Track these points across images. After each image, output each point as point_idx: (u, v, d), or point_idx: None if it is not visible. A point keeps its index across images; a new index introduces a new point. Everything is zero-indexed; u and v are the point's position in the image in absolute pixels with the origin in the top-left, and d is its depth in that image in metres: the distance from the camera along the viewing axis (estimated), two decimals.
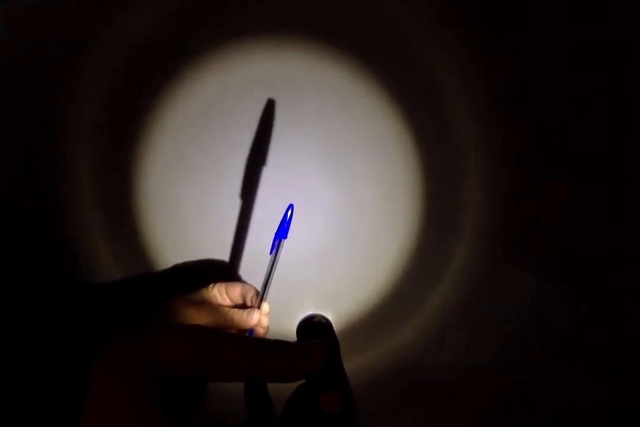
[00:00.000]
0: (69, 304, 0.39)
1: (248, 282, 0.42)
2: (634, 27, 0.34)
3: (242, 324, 0.34)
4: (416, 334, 0.45)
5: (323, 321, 0.28)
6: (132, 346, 0.21)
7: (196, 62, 0.42)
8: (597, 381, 0.38)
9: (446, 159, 0.44)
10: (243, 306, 0.36)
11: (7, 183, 0.39)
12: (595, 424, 0.37)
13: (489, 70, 0.41)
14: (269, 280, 0.34)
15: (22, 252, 0.40)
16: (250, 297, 0.36)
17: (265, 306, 0.35)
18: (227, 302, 0.36)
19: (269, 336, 0.37)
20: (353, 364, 0.44)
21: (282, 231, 0.31)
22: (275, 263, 0.34)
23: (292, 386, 0.24)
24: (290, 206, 0.31)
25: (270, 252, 0.33)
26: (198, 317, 0.34)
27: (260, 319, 0.34)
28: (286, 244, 0.33)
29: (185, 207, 0.44)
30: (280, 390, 0.23)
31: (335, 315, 0.45)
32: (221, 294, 0.36)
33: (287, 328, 0.40)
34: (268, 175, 0.43)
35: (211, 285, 0.36)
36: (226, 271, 0.44)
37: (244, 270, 0.44)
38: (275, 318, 0.36)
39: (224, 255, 0.44)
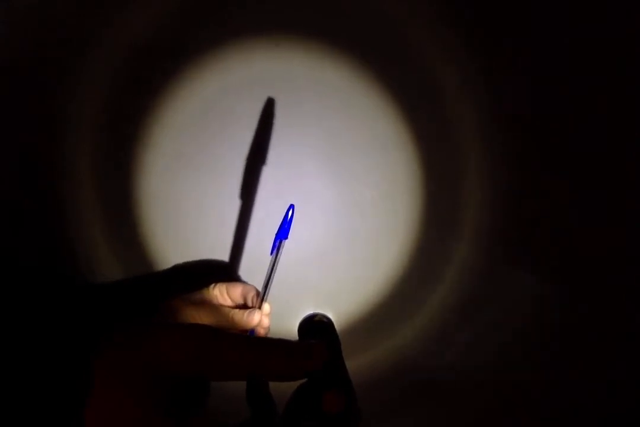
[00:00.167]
0: (69, 304, 0.39)
1: (248, 282, 0.42)
2: (634, 27, 0.34)
3: (243, 325, 0.34)
4: (416, 334, 0.45)
5: (324, 320, 0.28)
6: (132, 346, 0.21)
7: (196, 62, 0.42)
8: (597, 381, 0.38)
9: (446, 159, 0.44)
10: (244, 306, 0.36)
11: (7, 183, 0.39)
12: (595, 424, 0.37)
13: (489, 70, 0.41)
14: (270, 280, 0.34)
15: (22, 252, 0.40)
16: (251, 298, 0.36)
17: (266, 307, 0.35)
18: (228, 302, 0.36)
19: (270, 336, 0.37)
20: (353, 363, 0.44)
21: (283, 232, 0.31)
22: (276, 264, 0.33)
23: (294, 385, 0.24)
24: (291, 206, 0.31)
25: (271, 253, 0.33)
26: (198, 318, 0.34)
27: (261, 320, 0.34)
28: (286, 244, 0.33)
29: (185, 207, 0.44)
30: (283, 389, 0.23)
31: (336, 315, 0.45)
32: (222, 294, 0.36)
33: (288, 328, 0.40)
34: (268, 175, 0.43)
35: (212, 285, 0.36)
36: (226, 271, 0.44)
37: (244, 270, 0.44)
38: (275, 318, 0.36)
39: (224, 255, 0.44)
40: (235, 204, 0.43)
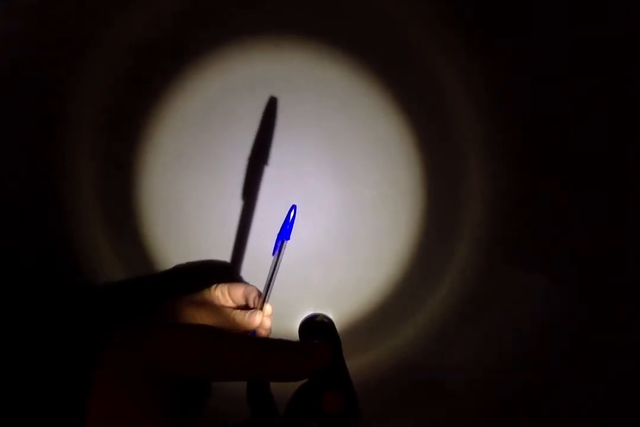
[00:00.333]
0: (69, 304, 0.39)
1: (249, 282, 0.42)
2: (634, 27, 0.34)
3: (244, 326, 0.34)
4: (417, 334, 0.45)
5: (325, 320, 0.28)
6: (132, 346, 0.21)
7: (196, 62, 0.42)
8: (597, 381, 0.38)
9: (446, 159, 0.44)
10: (245, 307, 0.36)
11: (7, 183, 0.39)
12: (595, 424, 0.37)
13: (489, 70, 0.41)
14: (272, 281, 0.34)
15: (22, 252, 0.40)
16: (252, 299, 0.36)
17: (267, 308, 0.35)
18: (230, 303, 0.36)
19: (271, 337, 0.37)
20: (354, 364, 0.44)
21: (285, 232, 0.31)
22: (277, 264, 0.33)
23: (295, 385, 0.24)
24: (293, 207, 0.30)
25: (273, 254, 0.33)
26: (200, 318, 0.34)
27: (262, 321, 0.34)
28: (287, 244, 0.32)
29: (186, 207, 0.44)
30: (283, 390, 0.23)
31: (337, 315, 0.45)
32: (224, 295, 0.36)
33: (289, 328, 0.40)
34: (269, 175, 0.43)
35: (214, 286, 0.36)
36: (228, 271, 0.44)
37: (245, 270, 0.44)
38: (276, 318, 0.36)
39: (225, 255, 0.44)
40: (236, 204, 0.43)
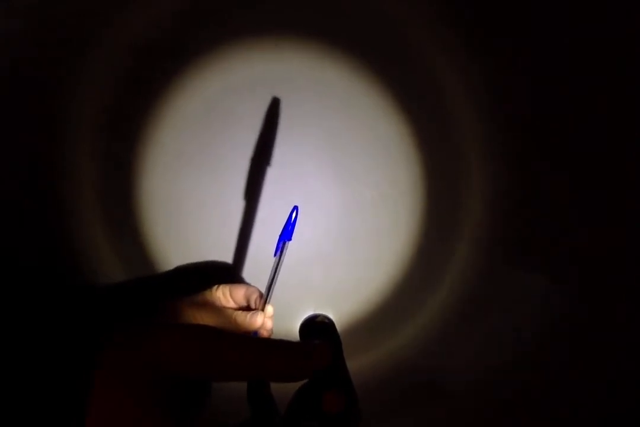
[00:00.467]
0: (69, 305, 0.39)
1: (250, 283, 0.42)
2: (634, 27, 0.34)
3: (246, 327, 0.34)
4: (417, 334, 0.45)
5: (326, 320, 0.28)
6: (132, 346, 0.21)
7: (196, 62, 0.42)
8: (597, 381, 0.38)
9: (446, 159, 0.44)
10: (247, 308, 0.36)
11: (7, 183, 0.39)
12: (595, 424, 0.37)
13: (489, 70, 0.41)
14: (273, 282, 0.34)
15: (22, 252, 0.40)
16: (254, 300, 0.35)
17: (269, 309, 0.35)
18: (231, 304, 0.36)
19: (272, 337, 0.37)
20: (355, 364, 0.44)
21: (287, 233, 0.31)
22: (279, 265, 0.33)
23: (296, 386, 0.24)
24: (295, 208, 0.30)
25: (275, 254, 0.33)
26: (201, 319, 0.34)
27: (264, 322, 0.34)
28: (288, 244, 0.32)
29: (186, 207, 0.44)
30: (284, 390, 0.23)
31: (337, 315, 0.45)
32: (225, 295, 0.36)
33: (289, 329, 0.40)
34: (269, 175, 0.43)
35: (215, 287, 0.36)
36: (228, 271, 0.44)
37: (246, 271, 0.44)
38: (277, 318, 0.36)
39: (226, 255, 0.44)
40: (237, 204, 0.43)
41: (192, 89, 0.43)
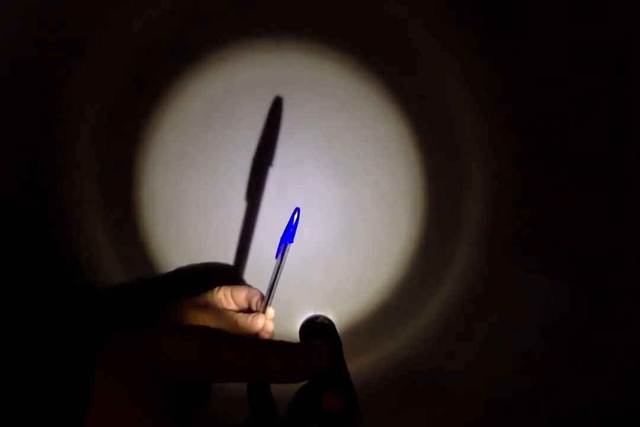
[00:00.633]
0: (69, 304, 0.39)
1: (251, 284, 0.42)
2: (634, 27, 0.34)
3: (247, 329, 0.34)
4: (417, 335, 0.45)
5: (326, 321, 0.28)
6: (132, 346, 0.21)
7: (196, 62, 0.42)
8: (597, 381, 0.38)
9: (446, 159, 0.44)
10: (248, 310, 0.36)
11: (7, 183, 0.39)
12: (595, 424, 0.37)
13: (489, 70, 0.41)
14: (275, 285, 0.33)
15: (22, 252, 0.40)
16: (255, 302, 0.35)
17: (270, 311, 0.35)
18: (232, 306, 0.36)
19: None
20: (355, 365, 0.44)
21: (288, 236, 0.31)
22: (280, 268, 0.33)
23: (297, 386, 0.24)
24: (297, 210, 0.30)
25: (276, 257, 0.33)
26: (202, 321, 0.34)
27: (265, 324, 0.34)
28: (290, 246, 0.32)
29: (187, 207, 0.44)
30: (285, 390, 0.23)
31: (337, 316, 0.45)
32: (226, 297, 0.36)
33: (289, 329, 0.40)
34: (269, 176, 0.43)
35: (216, 288, 0.36)
36: (229, 272, 0.44)
37: (247, 272, 0.44)
38: (277, 319, 0.36)
39: (227, 256, 0.44)
40: (238, 204, 0.43)
41: (192, 90, 0.43)
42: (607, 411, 0.36)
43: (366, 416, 0.23)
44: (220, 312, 0.35)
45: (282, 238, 0.31)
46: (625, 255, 0.37)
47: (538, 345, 0.40)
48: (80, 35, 0.39)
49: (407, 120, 0.44)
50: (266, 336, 0.35)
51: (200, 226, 0.44)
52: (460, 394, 0.42)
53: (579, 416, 0.38)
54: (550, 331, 0.40)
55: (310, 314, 0.29)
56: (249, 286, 0.37)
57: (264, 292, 0.35)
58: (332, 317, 0.28)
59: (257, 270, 0.44)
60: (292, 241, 0.31)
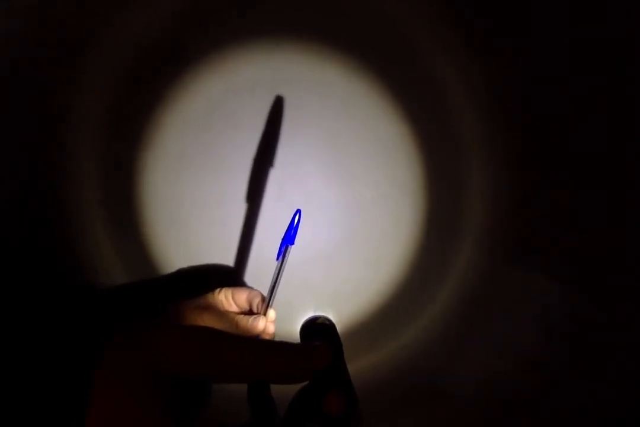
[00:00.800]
0: (70, 304, 0.39)
1: (251, 284, 0.42)
2: (634, 27, 0.34)
3: (247, 331, 0.34)
4: (418, 335, 0.45)
5: (326, 322, 0.28)
6: (132, 346, 0.21)
7: (196, 62, 0.42)
8: (597, 381, 0.38)
9: (446, 159, 0.44)
10: (249, 312, 0.36)
11: (7, 183, 0.39)
12: (595, 424, 0.37)
13: (489, 70, 0.41)
14: (276, 286, 0.33)
15: (22, 252, 0.40)
16: (256, 304, 0.35)
17: (271, 313, 0.34)
18: (234, 307, 0.36)
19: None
20: (356, 365, 0.44)
21: (289, 238, 0.30)
22: (281, 269, 0.33)
23: (297, 387, 0.23)
24: (298, 211, 0.30)
25: (277, 259, 0.33)
26: (202, 322, 0.34)
27: (266, 326, 0.34)
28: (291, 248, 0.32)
29: (188, 209, 0.44)
30: (285, 391, 0.23)
31: (338, 316, 0.45)
32: (227, 299, 0.36)
33: (290, 330, 0.40)
34: (269, 176, 0.43)
35: (217, 290, 0.36)
36: (230, 273, 0.44)
37: (247, 272, 0.44)
38: (278, 320, 0.36)
39: (227, 256, 0.44)
40: (238, 205, 0.43)
41: (192, 90, 0.42)
42: (607, 411, 0.36)
43: (366, 416, 0.23)
44: (221, 314, 0.35)
45: (283, 240, 0.31)
46: (625, 255, 0.37)
47: (538, 345, 0.40)
48: (80, 35, 0.39)
49: (407, 120, 0.44)
50: (267, 338, 0.35)
51: (200, 226, 0.44)
52: (460, 394, 0.42)
53: (579, 416, 0.38)
54: (550, 331, 0.40)
55: (310, 314, 0.29)
56: (250, 288, 0.37)
57: (265, 293, 0.35)
58: (332, 317, 0.28)
59: (258, 270, 0.44)
60: (293, 243, 0.31)
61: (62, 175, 0.41)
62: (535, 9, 0.37)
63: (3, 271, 0.38)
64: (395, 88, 0.43)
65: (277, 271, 0.33)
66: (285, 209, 0.31)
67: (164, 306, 0.35)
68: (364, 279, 0.46)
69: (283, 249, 0.32)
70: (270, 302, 0.34)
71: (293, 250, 0.32)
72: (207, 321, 0.34)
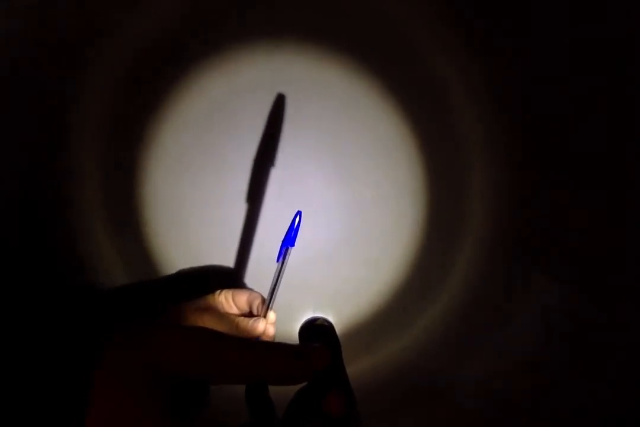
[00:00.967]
0: (70, 304, 0.39)
1: (251, 286, 0.42)
2: (634, 27, 0.34)
3: (248, 333, 0.34)
4: (418, 336, 0.45)
5: (325, 323, 0.28)
6: (132, 346, 0.21)
7: (196, 62, 0.42)
8: (597, 381, 0.38)
9: (447, 159, 0.44)
10: (249, 314, 0.36)
11: (7, 183, 0.39)
12: (595, 424, 0.37)
13: (489, 70, 0.41)
14: (276, 288, 0.33)
15: (22, 252, 0.40)
16: (256, 305, 0.35)
17: (271, 315, 0.34)
18: (234, 309, 0.36)
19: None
20: (355, 366, 0.44)
21: (290, 239, 0.30)
22: (282, 271, 0.33)
23: (296, 387, 0.24)
24: (298, 213, 0.30)
25: (277, 260, 0.32)
26: (203, 324, 0.34)
27: (266, 328, 0.34)
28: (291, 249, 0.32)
29: (188, 208, 0.44)
30: (284, 391, 0.23)
31: (338, 317, 0.45)
32: (227, 301, 0.36)
33: (289, 331, 0.40)
34: (269, 177, 0.43)
35: (218, 291, 0.36)
36: (230, 275, 0.44)
37: (247, 272, 0.44)
38: (278, 320, 0.36)
39: (228, 257, 0.44)
40: (239, 206, 0.43)
41: (193, 90, 0.42)
42: (607, 411, 0.36)
43: (367, 416, 0.23)
44: (221, 315, 0.35)
45: (283, 241, 0.31)
46: (625, 255, 0.37)
47: (538, 345, 0.40)
48: (80, 35, 0.39)
49: (407, 121, 0.44)
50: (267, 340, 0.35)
51: (201, 227, 0.44)
52: (460, 395, 0.42)
53: (579, 416, 0.38)
54: (550, 331, 0.40)
55: (309, 315, 0.29)
56: (250, 289, 0.37)
57: (265, 294, 0.35)
58: (332, 318, 0.28)
59: (258, 271, 0.44)
60: (293, 245, 0.31)
61: (62, 175, 0.41)
62: (535, 9, 0.37)
63: (3, 271, 0.38)
64: (395, 88, 0.43)
65: (277, 273, 0.33)
66: (285, 210, 0.31)
67: (164, 307, 0.35)
68: (364, 280, 0.46)
69: (283, 251, 0.32)
70: (271, 304, 0.34)
71: (293, 250, 0.32)
72: (207, 322, 0.34)
